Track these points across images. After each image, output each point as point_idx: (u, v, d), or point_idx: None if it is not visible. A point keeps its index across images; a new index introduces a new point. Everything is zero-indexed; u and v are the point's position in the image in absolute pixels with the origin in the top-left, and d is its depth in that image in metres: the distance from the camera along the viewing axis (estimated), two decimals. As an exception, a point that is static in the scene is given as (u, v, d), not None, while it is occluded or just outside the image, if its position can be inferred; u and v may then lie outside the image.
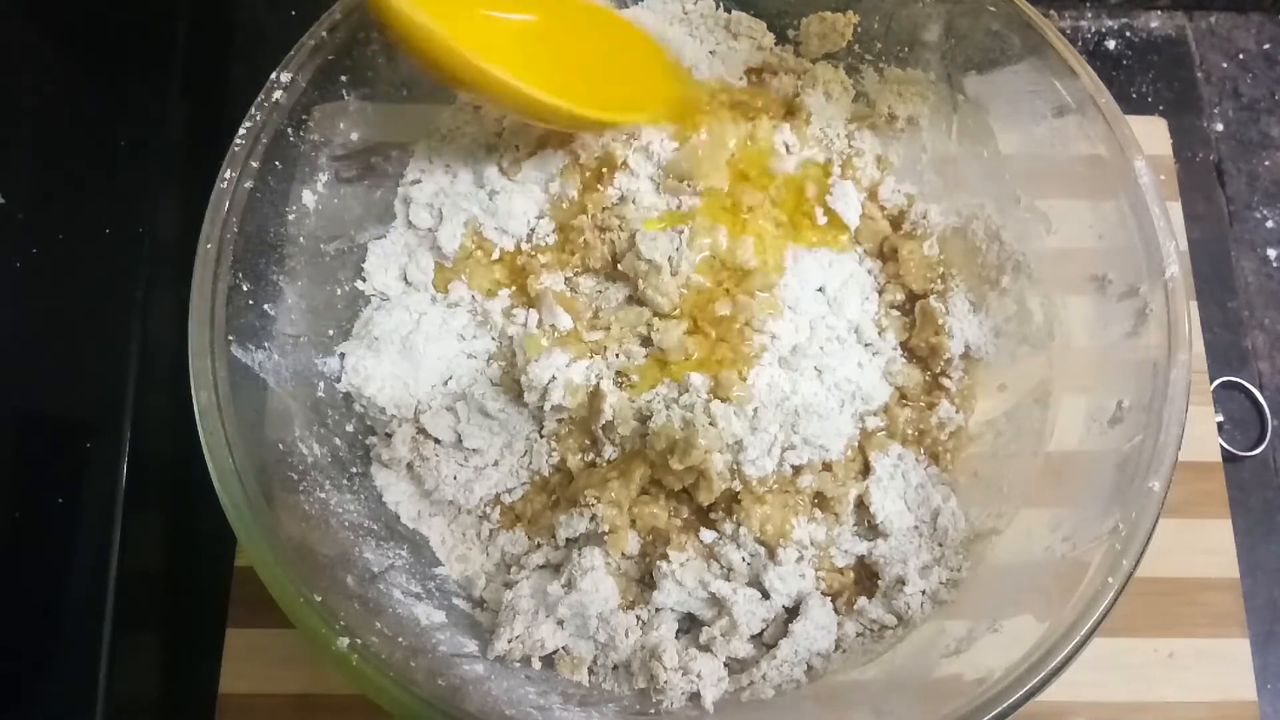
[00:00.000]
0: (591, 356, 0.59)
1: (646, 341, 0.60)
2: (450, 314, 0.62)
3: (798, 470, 0.58)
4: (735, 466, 0.56)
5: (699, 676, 0.54)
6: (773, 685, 0.54)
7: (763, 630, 0.57)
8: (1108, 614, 0.47)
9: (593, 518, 0.56)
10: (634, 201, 0.62)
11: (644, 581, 0.58)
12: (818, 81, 0.67)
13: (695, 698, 0.54)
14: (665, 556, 0.57)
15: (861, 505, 0.59)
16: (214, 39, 0.76)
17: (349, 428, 0.60)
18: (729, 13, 0.69)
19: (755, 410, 0.56)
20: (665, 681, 0.53)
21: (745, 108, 0.66)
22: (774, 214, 0.63)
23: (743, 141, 0.64)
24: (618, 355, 0.60)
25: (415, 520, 0.60)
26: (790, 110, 0.67)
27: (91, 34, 0.69)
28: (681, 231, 0.61)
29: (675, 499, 0.58)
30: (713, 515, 0.58)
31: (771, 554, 0.56)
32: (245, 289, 0.54)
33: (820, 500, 0.59)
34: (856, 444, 0.60)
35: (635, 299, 0.61)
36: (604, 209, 0.62)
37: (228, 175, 0.54)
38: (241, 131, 0.55)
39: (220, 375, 0.51)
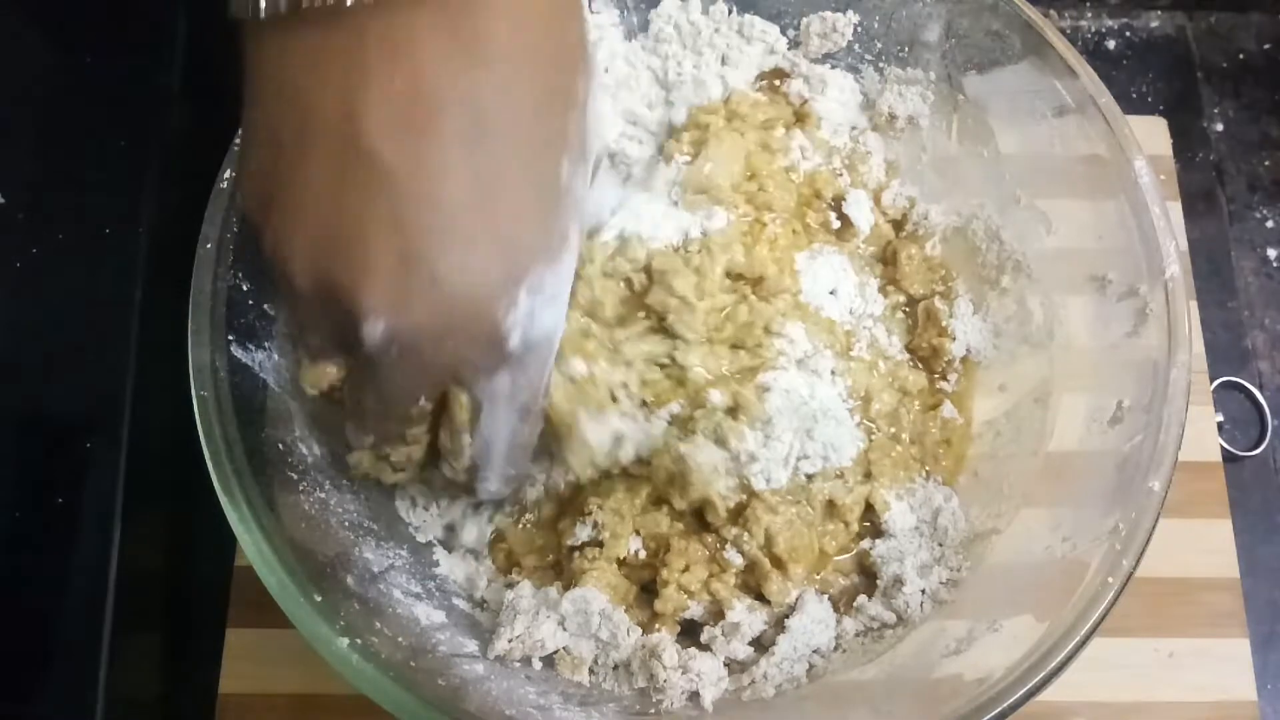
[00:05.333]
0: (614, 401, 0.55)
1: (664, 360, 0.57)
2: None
3: (810, 479, 0.57)
4: (745, 481, 0.55)
5: (699, 676, 0.53)
6: (773, 685, 0.54)
7: (762, 631, 0.57)
8: (1108, 614, 0.47)
9: (595, 524, 0.56)
10: (640, 238, 0.57)
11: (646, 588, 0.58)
12: (827, 86, 0.67)
13: (695, 697, 0.54)
14: (666, 561, 0.57)
15: (868, 508, 0.59)
16: (214, 39, 0.76)
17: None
18: (741, 16, 0.68)
19: (770, 420, 0.55)
20: (665, 681, 0.53)
21: (759, 115, 0.65)
22: (790, 220, 0.63)
23: (758, 149, 0.63)
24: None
25: (415, 520, 0.60)
26: (800, 116, 0.67)
27: (91, 33, 0.69)
28: (701, 252, 0.57)
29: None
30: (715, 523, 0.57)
31: (776, 560, 0.56)
32: (245, 289, 0.54)
33: (830, 507, 0.58)
34: (864, 447, 0.60)
35: (658, 329, 0.56)
36: (609, 258, 0.57)
37: (228, 175, 0.54)
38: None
39: (220, 375, 0.51)
